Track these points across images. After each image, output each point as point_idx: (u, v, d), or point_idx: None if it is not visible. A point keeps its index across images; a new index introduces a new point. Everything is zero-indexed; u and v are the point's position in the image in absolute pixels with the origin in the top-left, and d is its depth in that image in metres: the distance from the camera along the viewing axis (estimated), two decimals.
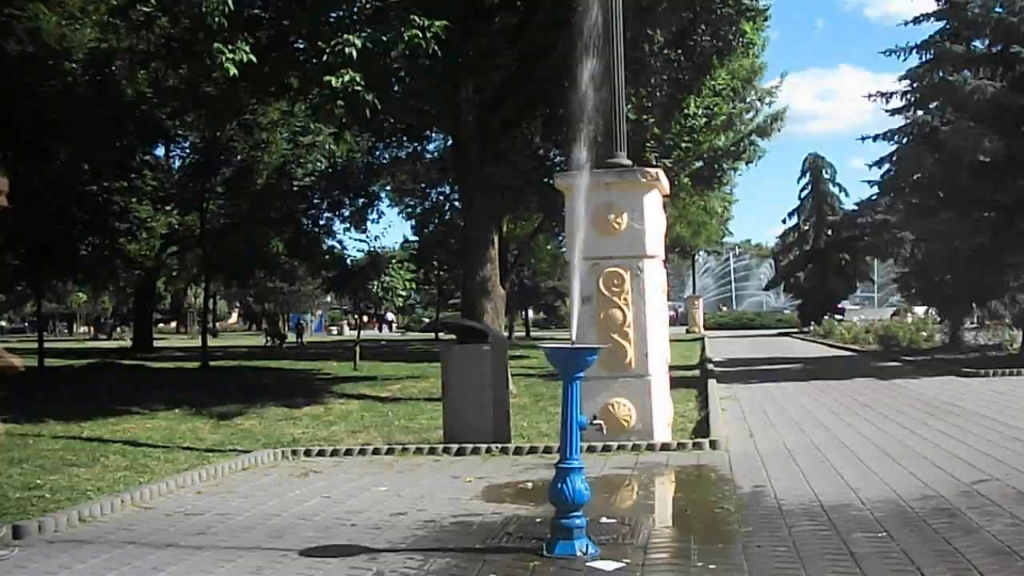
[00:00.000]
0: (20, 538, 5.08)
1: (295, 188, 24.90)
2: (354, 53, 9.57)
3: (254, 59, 9.76)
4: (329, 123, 16.12)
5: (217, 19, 9.50)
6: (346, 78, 9.53)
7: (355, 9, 10.93)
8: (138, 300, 35.03)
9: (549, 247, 33.45)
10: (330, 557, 4.56)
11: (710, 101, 15.77)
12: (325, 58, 9.72)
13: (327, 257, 26.69)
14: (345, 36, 9.72)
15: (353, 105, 10.03)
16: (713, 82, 15.27)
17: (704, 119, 16.00)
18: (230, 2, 9.50)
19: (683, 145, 16.25)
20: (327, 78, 9.63)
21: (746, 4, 12.92)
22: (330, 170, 25.08)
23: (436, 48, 9.87)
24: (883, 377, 15.31)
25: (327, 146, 23.25)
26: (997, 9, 18.82)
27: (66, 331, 67.90)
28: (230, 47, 9.56)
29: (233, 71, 9.61)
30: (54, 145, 16.98)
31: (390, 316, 59.03)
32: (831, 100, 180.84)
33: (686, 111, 15.04)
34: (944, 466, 6.56)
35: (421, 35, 9.66)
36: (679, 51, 13.19)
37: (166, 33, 12.56)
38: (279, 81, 11.98)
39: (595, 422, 4.73)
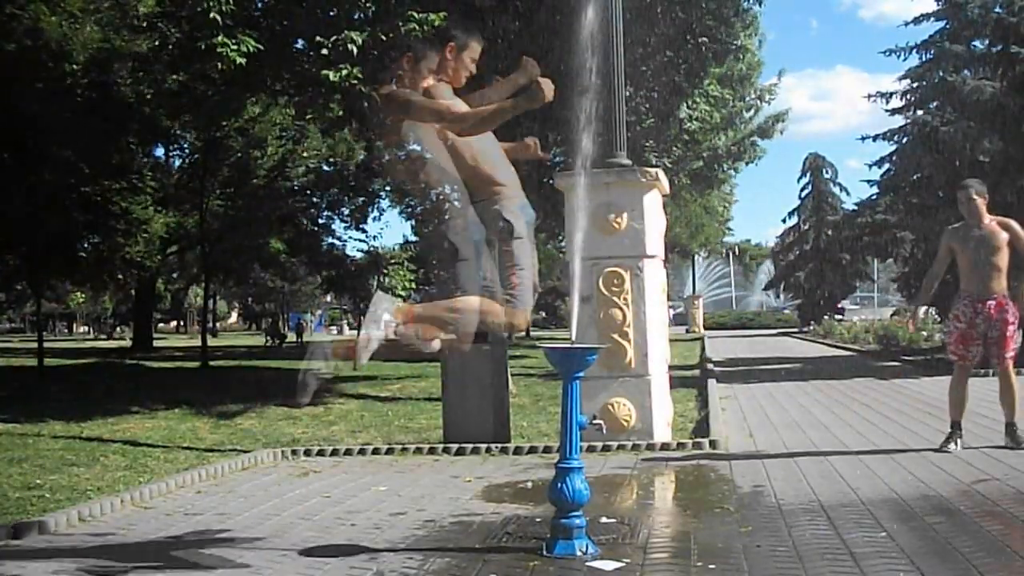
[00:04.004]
0: (20, 538, 5.08)
1: (294, 187, 24.94)
2: (355, 50, 9.60)
3: (261, 47, 9.79)
4: (319, 122, 16.11)
5: (224, 8, 9.55)
6: (344, 72, 9.55)
7: (351, 7, 10.94)
8: (138, 300, 35.08)
9: (549, 246, 33.43)
10: (330, 557, 4.55)
11: (702, 110, 15.79)
12: (325, 52, 9.75)
13: (326, 258, 26.75)
14: (346, 33, 9.75)
15: (352, 101, 10.04)
16: (707, 88, 15.28)
17: (697, 123, 16.01)
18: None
19: (675, 149, 16.27)
20: (324, 72, 9.65)
21: (743, 6, 12.96)
22: (328, 169, 25.11)
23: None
24: (883, 377, 15.30)
25: (314, 140, 23.27)
26: (997, 9, 18.84)
27: (66, 331, 67.91)
28: (233, 40, 9.61)
29: (240, 60, 9.65)
30: (55, 146, 16.98)
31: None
32: (827, 100, 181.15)
33: (680, 115, 15.06)
34: (944, 466, 6.56)
35: (419, 28, 9.69)
36: (679, 52, 13.21)
37: (163, 35, 12.59)
38: (279, 78, 11.99)
39: (595, 422, 4.72)
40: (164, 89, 17.21)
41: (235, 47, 9.63)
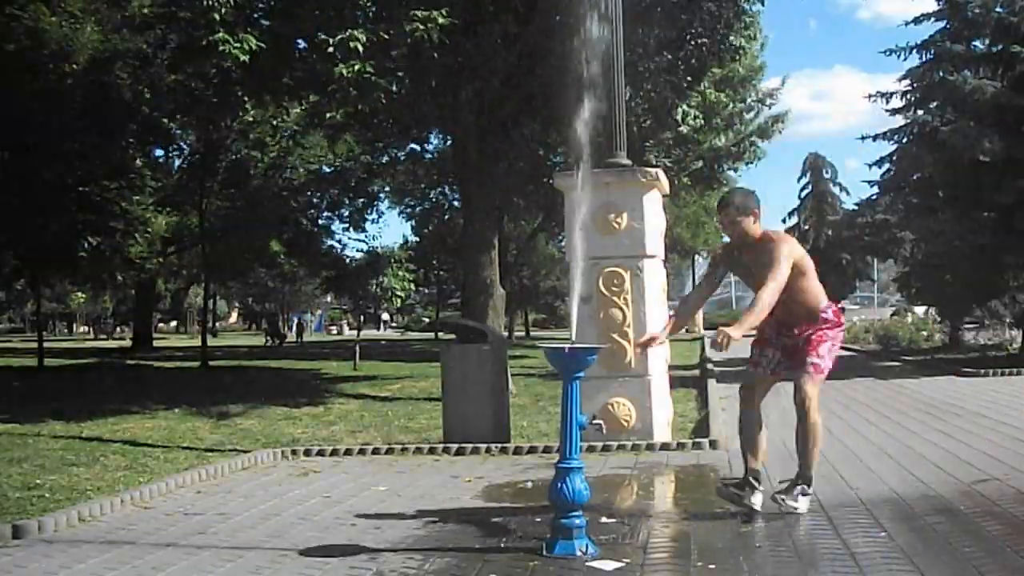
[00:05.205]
0: (20, 538, 5.08)
1: (294, 184, 24.93)
2: (359, 47, 9.63)
3: (263, 45, 9.82)
4: (329, 122, 16.12)
5: (225, 11, 9.58)
6: (356, 67, 9.59)
7: (353, 6, 10.95)
8: (138, 300, 35.09)
9: (549, 246, 33.48)
10: (330, 557, 4.55)
11: (694, 115, 15.81)
12: (330, 50, 9.77)
13: (326, 259, 26.73)
14: (350, 31, 9.78)
15: (368, 93, 10.06)
16: (704, 92, 15.30)
17: (688, 126, 16.04)
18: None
19: (675, 151, 16.27)
20: (337, 68, 9.67)
21: (742, 7, 12.98)
22: (327, 169, 25.11)
23: (442, 38, 9.91)
24: (883, 377, 15.31)
25: (313, 138, 23.30)
26: (997, 9, 18.84)
27: (66, 331, 67.88)
28: (236, 38, 9.65)
29: (243, 58, 9.68)
30: (54, 145, 16.98)
31: (385, 316, 59.09)
32: (826, 100, 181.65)
33: (676, 117, 15.08)
34: (944, 466, 6.55)
35: (424, 27, 9.71)
36: (679, 53, 13.21)
37: (163, 37, 12.61)
38: (278, 80, 11.99)
39: (595, 422, 4.72)
40: (163, 88, 17.25)
41: (237, 45, 9.67)
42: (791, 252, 5.13)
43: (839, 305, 5.56)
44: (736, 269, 5.55)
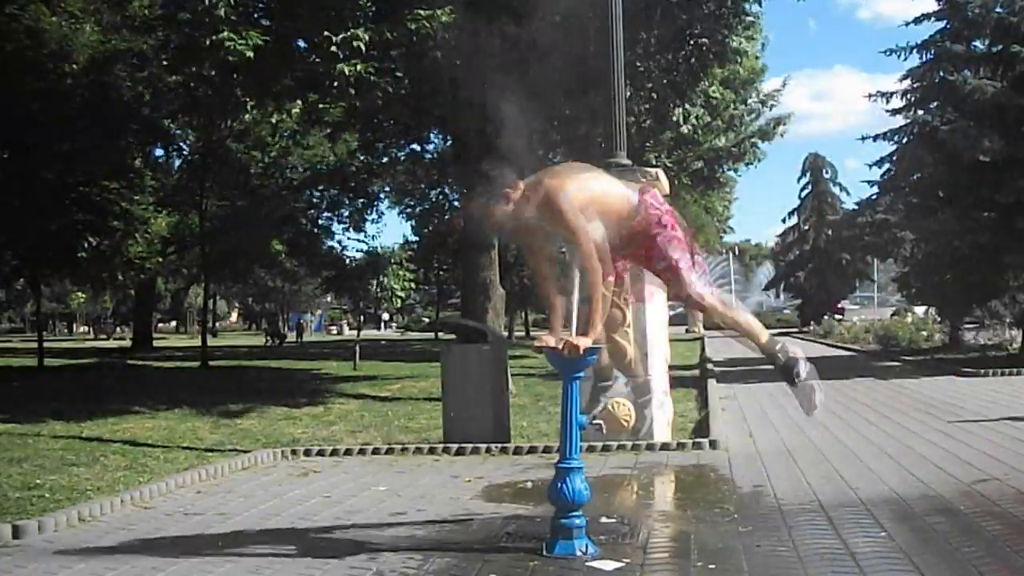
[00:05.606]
0: (20, 538, 5.07)
1: (294, 185, 24.94)
2: (362, 47, 9.66)
3: (268, 39, 9.86)
4: (327, 123, 16.13)
5: (225, 8, 9.61)
6: (359, 67, 9.62)
7: (354, 6, 10.97)
8: (138, 300, 35.10)
9: None
10: (330, 557, 4.55)
11: (697, 115, 15.78)
12: (333, 49, 9.80)
13: (326, 259, 26.77)
14: (352, 31, 9.81)
15: (366, 92, 10.09)
16: (708, 90, 15.28)
17: (689, 127, 16.03)
18: None
19: (676, 152, 16.22)
20: (339, 66, 9.70)
21: (742, 7, 12.98)
22: (326, 169, 25.13)
23: (445, 35, 9.95)
24: (883, 377, 15.31)
25: (314, 138, 23.36)
26: (997, 9, 18.85)
27: (66, 331, 67.88)
28: (239, 36, 9.69)
29: (249, 54, 9.72)
30: (55, 145, 16.98)
31: (385, 316, 59.13)
32: (826, 100, 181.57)
33: (675, 119, 15.07)
34: (944, 466, 6.56)
35: (428, 25, 9.75)
36: (679, 53, 13.21)
37: (164, 39, 12.62)
38: (278, 81, 12.00)
39: (595, 422, 4.72)
40: (163, 88, 17.26)
41: (243, 42, 9.70)
42: (576, 197, 4.26)
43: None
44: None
